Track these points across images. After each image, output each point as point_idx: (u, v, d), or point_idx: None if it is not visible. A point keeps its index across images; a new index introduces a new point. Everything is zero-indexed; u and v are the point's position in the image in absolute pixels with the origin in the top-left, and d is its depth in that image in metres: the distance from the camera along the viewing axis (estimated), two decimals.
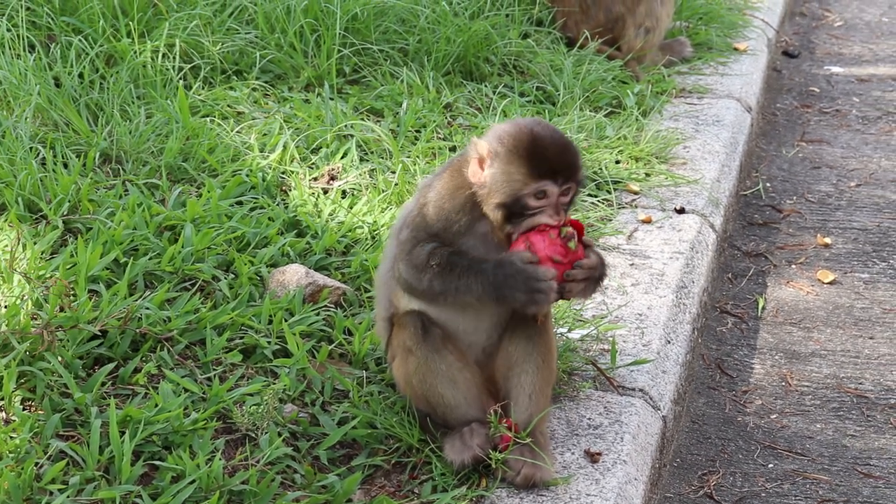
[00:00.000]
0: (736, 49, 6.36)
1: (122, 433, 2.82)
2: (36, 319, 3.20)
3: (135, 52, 4.80)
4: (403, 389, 2.99)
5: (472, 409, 2.93)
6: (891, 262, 4.73)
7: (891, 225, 5.04)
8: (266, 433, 2.96)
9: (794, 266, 4.70)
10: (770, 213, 5.16)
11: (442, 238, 2.86)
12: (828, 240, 4.88)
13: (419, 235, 2.88)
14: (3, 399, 2.96)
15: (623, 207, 4.41)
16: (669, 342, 3.64)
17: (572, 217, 2.90)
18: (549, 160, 2.77)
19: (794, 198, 5.31)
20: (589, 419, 3.18)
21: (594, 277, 2.87)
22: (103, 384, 3.06)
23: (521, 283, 2.76)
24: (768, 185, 5.43)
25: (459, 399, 2.92)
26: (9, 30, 4.77)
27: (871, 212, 5.17)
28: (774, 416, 3.77)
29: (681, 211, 4.41)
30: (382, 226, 3.97)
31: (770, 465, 3.53)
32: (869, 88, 6.77)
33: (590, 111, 5.13)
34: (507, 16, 5.86)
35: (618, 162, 4.73)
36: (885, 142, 5.98)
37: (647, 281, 3.92)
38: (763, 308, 4.39)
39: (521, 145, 2.78)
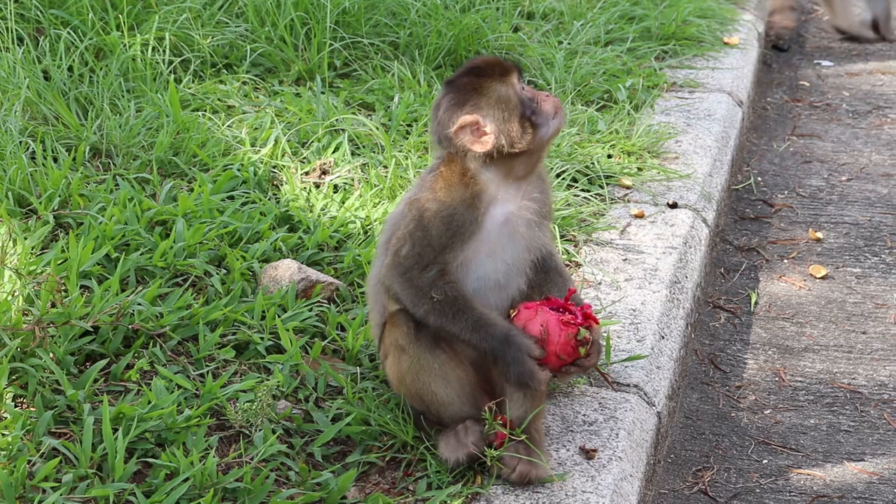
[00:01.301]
0: (726, 43, 6.36)
1: (115, 430, 2.80)
2: (27, 315, 3.18)
3: (124, 46, 4.77)
4: (397, 388, 2.97)
5: (466, 407, 2.91)
6: (882, 256, 4.73)
7: (882, 219, 5.04)
8: (260, 430, 2.94)
9: (786, 261, 4.69)
10: (762, 207, 5.15)
11: (447, 253, 2.83)
12: (819, 234, 4.88)
13: (425, 254, 2.84)
14: None
15: (615, 202, 4.40)
16: (663, 338, 3.63)
17: (587, 304, 2.95)
18: (491, 63, 2.89)
19: (786, 192, 5.31)
20: (584, 415, 3.17)
21: (585, 373, 2.99)
22: (95, 381, 3.04)
23: (517, 370, 2.80)
24: (760, 179, 5.43)
25: (453, 397, 2.90)
26: None
27: (863, 206, 5.16)
28: (768, 411, 3.76)
29: (673, 206, 4.40)
30: (375, 220, 3.95)
31: (764, 461, 3.52)
32: (859, 83, 6.77)
33: (581, 105, 5.12)
34: (497, 9, 5.85)
35: (610, 156, 4.71)
36: (875, 136, 5.98)
37: (640, 276, 3.91)
38: (756, 303, 4.38)
39: (475, 78, 2.86)
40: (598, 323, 2.93)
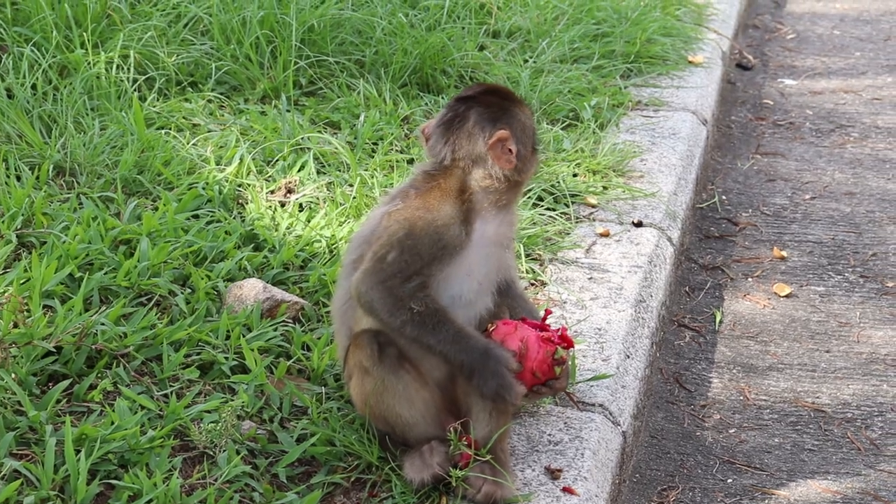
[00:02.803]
0: (691, 62, 6.39)
1: (78, 451, 2.78)
2: None
3: (88, 64, 4.75)
4: (361, 409, 2.96)
5: (431, 428, 2.91)
6: (846, 275, 4.76)
7: (845, 238, 5.07)
8: (224, 451, 2.92)
9: (750, 279, 4.72)
10: (726, 225, 5.18)
11: (433, 266, 2.82)
12: (784, 253, 4.90)
13: (412, 263, 2.81)
14: None
15: (581, 221, 4.41)
16: (629, 357, 3.63)
17: (563, 327, 2.97)
18: (514, 93, 3.03)
19: (750, 210, 5.33)
20: (549, 435, 3.17)
21: (554, 395, 3.02)
22: (58, 401, 3.02)
23: (495, 383, 2.79)
24: (724, 197, 5.45)
25: (418, 418, 2.90)
26: None
27: (826, 225, 5.20)
28: (733, 430, 3.77)
29: (638, 224, 4.42)
30: (340, 239, 3.94)
31: (729, 481, 3.53)
32: (822, 101, 6.82)
33: (547, 124, 5.14)
34: (463, 28, 5.86)
35: (575, 175, 4.73)
36: (838, 154, 6.02)
37: (605, 295, 3.91)
38: (720, 321, 4.40)
39: (507, 103, 2.94)
40: (573, 346, 2.94)
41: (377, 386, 2.88)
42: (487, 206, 2.88)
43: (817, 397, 3.95)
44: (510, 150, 2.87)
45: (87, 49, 4.85)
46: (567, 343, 2.92)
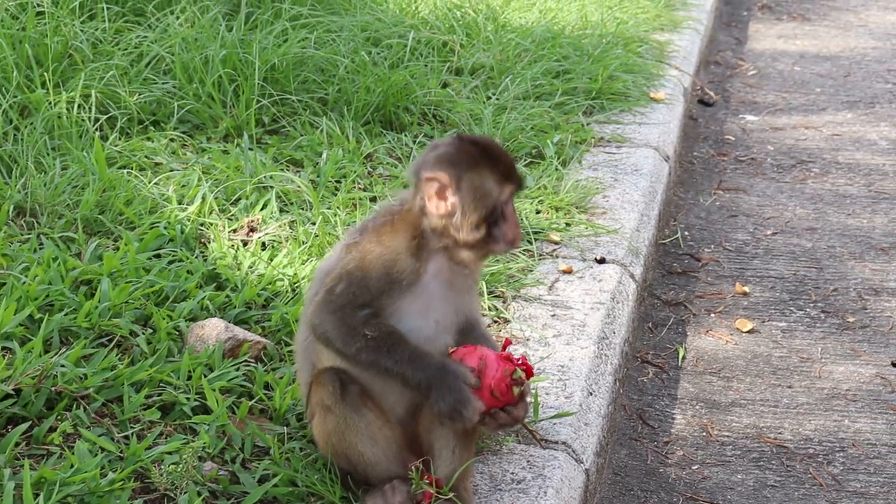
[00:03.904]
0: (653, 98, 6.43)
1: (37, 495, 2.75)
2: None
3: (50, 103, 4.74)
4: (323, 448, 2.95)
5: (393, 466, 2.90)
6: (807, 310, 4.79)
7: (807, 273, 5.10)
8: (185, 493, 2.90)
9: (713, 315, 4.73)
10: (689, 261, 5.20)
11: (383, 299, 2.82)
12: (746, 288, 4.93)
13: (360, 294, 2.82)
14: None
15: (544, 258, 4.42)
16: (591, 394, 3.64)
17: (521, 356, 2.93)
18: (504, 164, 2.84)
19: (713, 246, 5.36)
20: (512, 473, 3.17)
21: (513, 425, 2.93)
22: (17, 444, 2.98)
23: (453, 399, 2.76)
24: (687, 233, 5.48)
25: (380, 456, 2.89)
26: None
27: (788, 260, 5.23)
28: (696, 466, 3.78)
29: (601, 261, 4.43)
30: (303, 278, 3.94)
31: None
32: (783, 137, 6.87)
33: None
34: (426, 65, 5.88)
35: (538, 212, 4.74)
36: (799, 190, 6.07)
37: (568, 332, 3.92)
38: (683, 357, 4.42)
39: (482, 158, 2.81)
40: (532, 373, 2.90)
41: (339, 424, 2.87)
42: (440, 248, 2.85)
43: (779, 433, 3.96)
44: (445, 198, 2.79)
45: (48, 89, 4.83)
46: (527, 368, 2.89)
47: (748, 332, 4.61)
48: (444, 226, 2.82)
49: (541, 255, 4.43)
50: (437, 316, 2.90)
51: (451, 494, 2.85)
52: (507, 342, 3.02)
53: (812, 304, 4.83)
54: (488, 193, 2.80)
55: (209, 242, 4.13)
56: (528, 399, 2.96)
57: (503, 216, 2.82)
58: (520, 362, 2.87)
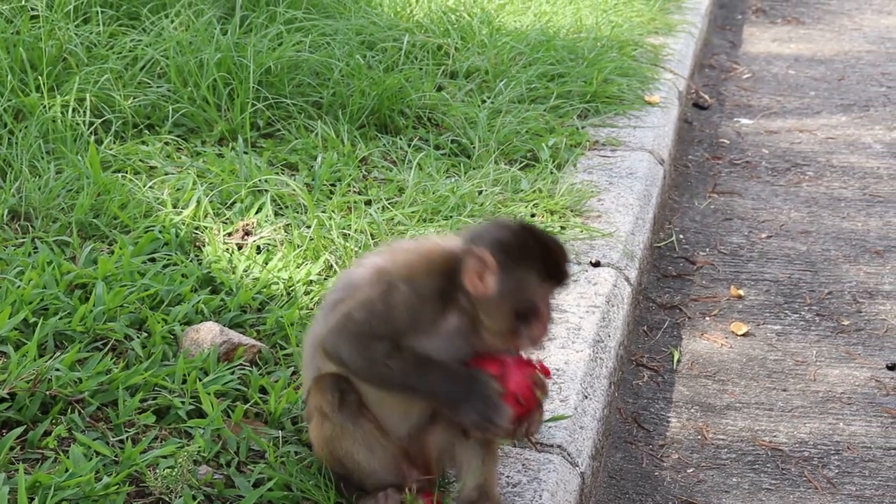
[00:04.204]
0: (648, 102, 6.43)
1: (32, 500, 2.75)
2: None
3: (44, 107, 4.73)
4: (319, 452, 2.95)
5: (388, 475, 2.89)
6: (802, 313, 4.79)
7: (801, 276, 5.11)
8: (180, 496, 2.90)
9: (708, 318, 4.74)
10: (684, 264, 5.20)
11: (402, 336, 2.75)
12: (741, 291, 4.93)
13: (377, 327, 2.74)
14: None
15: None
16: (587, 397, 3.64)
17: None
18: (556, 263, 2.75)
19: (707, 249, 5.37)
20: (507, 477, 3.16)
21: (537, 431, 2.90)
22: (11, 449, 2.98)
23: (482, 410, 2.72)
24: (681, 236, 5.48)
25: (375, 465, 2.87)
26: None
27: (783, 263, 5.23)
28: (691, 470, 3.78)
29: (596, 264, 4.43)
30: (298, 282, 3.93)
31: None
32: (777, 140, 6.88)
33: (505, 164, 5.16)
34: (421, 69, 5.89)
35: (533, 215, 4.74)
36: (794, 193, 6.07)
37: (563, 336, 3.92)
38: (678, 361, 4.42)
39: (529, 252, 2.72)
40: (549, 375, 2.88)
41: (336, 432, 2.86)
42: (466, 305, 2.76)
43: (774, 436, 3.96)
44: (484, 279, 2.71)
45: (42, 92, 4.83)
46: (544, 370, 2.86)
47: (743, 335, 4.61)
48: (475, 300, 2.75)
49: None
50: (455, 353, 2.82)
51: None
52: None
53: (807, 308, 4.84)
54: (526, 289, 2.73)
55: (204, 246, 4.12)
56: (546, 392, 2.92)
57: (535, 313, 2.73)
58: (537, 365, 2.85)
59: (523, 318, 2.73)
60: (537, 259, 2.73)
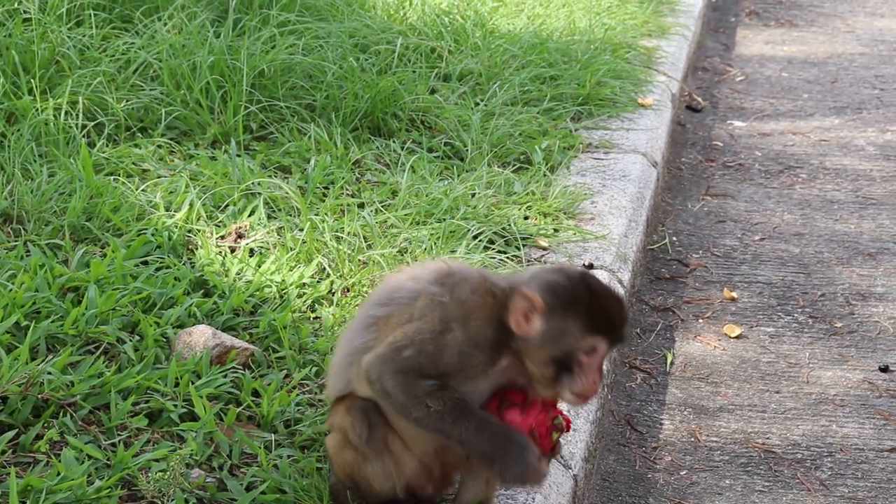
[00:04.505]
0: (641, 104, 6.44)
1: (23, 503, 2.74)
2: None
3: (36, 110, 4.73)
4: (333, 462, 2.88)
5: (400, 493, 2.86)
6: (795, 315, 4.79)
7: (794, 279, 5.11)
8: (172, 500, 2.89)
9: (701, 320, 4.74)
10: (677, 267, 5.21)
11: (449, 380, 2.68)
12: (734, 294, 4.94)
13: (426, 366, 2.67)
14: None
15: (532, 264, 4.42)
16: None
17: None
18: (606, 316, 2.64)
19: (701, 252, 5.37)
20: None
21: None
22: (3, 452, 2.98)
23: (519, 471, 2.67)
24: (675, 239, 5.49)
25: (387, 490, 2.83)
26: None
27: (776, 266, 5.24)
28: (684, 472, 3.78)
29: (589, 266, 4.43)
30: (291, 284, 3.93)
31: None
32: (770, 143, 6.89)
33: (498, 167, 5.16)
34: (414, 71, 5.88)
35: (526, 218, 4.74)
36: (787, 195, 6.08)
37: None
38: (671, 363, 4.42)
39: (578, 299, 2.63)
40: (569, 429, 2.79)
41: (356, 459, 2.79)
42: (516, 349, 2.69)
43: (767, 438, 3.97)
44: (530, 320, 2.64)
45: (35, 95, 4.83)
46: (566, 421, 2.77)
47: (736, 337, 4.61)
48: (521, 343, 2.67)
49: (529, 262, 4.43)
50: (494, 387, 2.77)
51: None
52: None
53: (800, 310, 4.84)
54: (568, 337, 2.62)
55: (197, 249, 4.12)
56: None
57: (580, 366, 2.63)
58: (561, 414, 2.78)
59: (565, 368, 2.64)
60: (585, 308, 2.63)
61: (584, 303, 2.63)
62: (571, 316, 2.62)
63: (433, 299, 2.72)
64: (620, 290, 4.42)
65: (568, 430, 2.79)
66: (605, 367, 2.69)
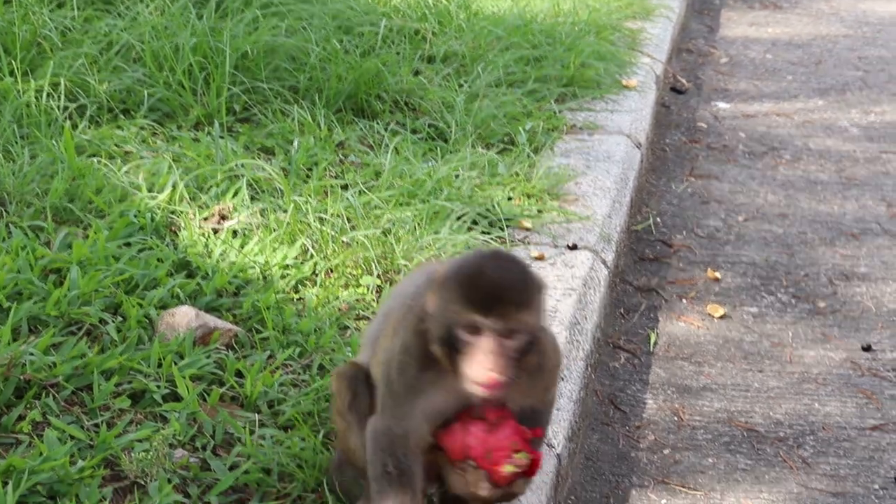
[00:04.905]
0: (625, 86, 6.44)
1: (6, 484, 2.74)
2: None
3: (18, 92, 4.71)
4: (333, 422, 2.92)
5: None
6: (778, 295, 4.80)
7: (778, 259, 5.12)
8: (155, 480, 2.89)
9: (684, 301, 4.75)
10: (661, 248, 5.21)
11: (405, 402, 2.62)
12: (717, 274, 4.95)
13: (391, 393, 2.64)
14: None
15: (515, 245, 4.42)
16: (563, 379, 3.64)
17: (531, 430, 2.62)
18: (481, 291, 2.45)
19: (684, 233, 5.38)
20: None
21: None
22: None
23: None
24: (658, 220, 5.49)
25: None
26: None
27: (759, 246, 5.25)
28: (667, 450, 3.79)
29: (573, 247, 4.43)
30: (274, 265, 3.93)
31: (663, 501, 3.54)
32: (754, 124, 6.89)
33: (482, 148, 5.15)
34: (398, 53, 5.88)
35: (510, 199, 4.74)
36: (771, 176, 6.09)
37: None
38: (655, 343, 4.43)
39: (460, 273, 2.48)
40: (534, 473, 2.61)
41: (344, 427, 2.80)
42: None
43: (750, 417, 3.98)
44: (433, 297, 2.54)
45: (16, 77, 4.81)
46: (534, 460, 2.57)
47: (720, 317, 4.62)
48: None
49: (513, 242, 4.43)
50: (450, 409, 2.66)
51: None
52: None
53: (783, 290, 4.85)
54: (448, 312, 2.47)
55: (180, 230, 4.11)
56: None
57: (468, 348, 2.47)
58: (528, 445, 2.59)
59: (455, 351, 2.48)
60: (467, 282, 2.47)
61: (468, 278, 2.47)
62: (454, 290, 2.47)
63: (404, 303, 2.69)
64: (605, 272, 4.42)
65: (532, 474, 2.59)
66: (510, 355, 2.46)
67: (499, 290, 2.45)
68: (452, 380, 2.53)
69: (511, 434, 2.56)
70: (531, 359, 2.52)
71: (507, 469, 2.54)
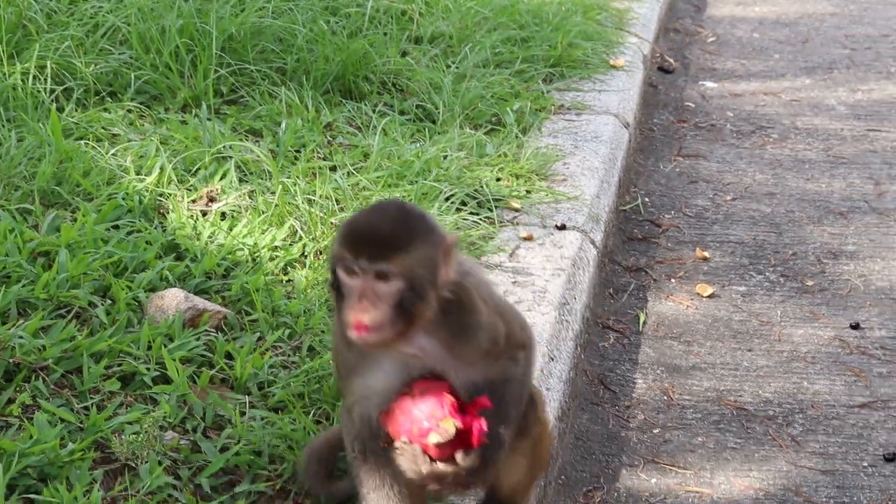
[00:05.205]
0: (612, 66, 6.43)
1: None
2: None
3: (4, 74, 4.69)
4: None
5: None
6: (766, 274, 4.81)
7: (766, 238, 5.13)
8: (146, 462, 2.89)
9: (673, 280, 4.75)
10: (649, 227, 5.22)
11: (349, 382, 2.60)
12: (706, 253, 4.95)
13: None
14: None
15: (504, 225, 4.42)
16: (553, 359, 3.65)
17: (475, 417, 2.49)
18: (354, 232, 2.39)
19: (673, 212, 5.38)
20: None
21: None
22: None
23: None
24: (647, 199, 5.49)
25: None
26: None
27: (747, 225, 5.25)
28: (657, 430, 3.80)
29: (562, 227, 4.43)
30: (263, 247, 3.92)
31: (653, 480, 3.56)
32: (742, 103, 6.90)
33: (470, 129, 5.15)
34: (385, 34, 5.86)
35: (498, 179, 4.74)
36: (758, 156, 6.09)
37: (529, 298, 3.93)
38: (644, 323, 4.43)
39: (350, 220, 2.45)
40: (474, 445, 2.48)
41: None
42: None
43: (739, 396, 3.99)
44: None
45: (2, 60, 4.79)
46: (470, 433, 2.45)
47: (708, 296, 4.63)
48: None
49: (501, 223, 4.43)
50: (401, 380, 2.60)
51: None
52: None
53: (771, 269, 4.86)
54: (331, 256, 2.43)
55: (168, 213, 4.10)
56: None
57: (346, 290, 2.39)
58: (461, 415, 2.47)
59: (340, 295, 2.41)
60: (345, 225, 2.43)
61: (348, 221, 2.44)
62: (338, 233, 2.43)
63: None
64: (593, 251, 4.42)
65: (473, 445, 2.46)
66: (384, 300, 2.35)
67: (370, 230, 2.38)
68: (382, 357, 2.49)
69: (435, 403, 2.45)
70: (421, 308, 2.38)
71: (432, 439, 2.44)
